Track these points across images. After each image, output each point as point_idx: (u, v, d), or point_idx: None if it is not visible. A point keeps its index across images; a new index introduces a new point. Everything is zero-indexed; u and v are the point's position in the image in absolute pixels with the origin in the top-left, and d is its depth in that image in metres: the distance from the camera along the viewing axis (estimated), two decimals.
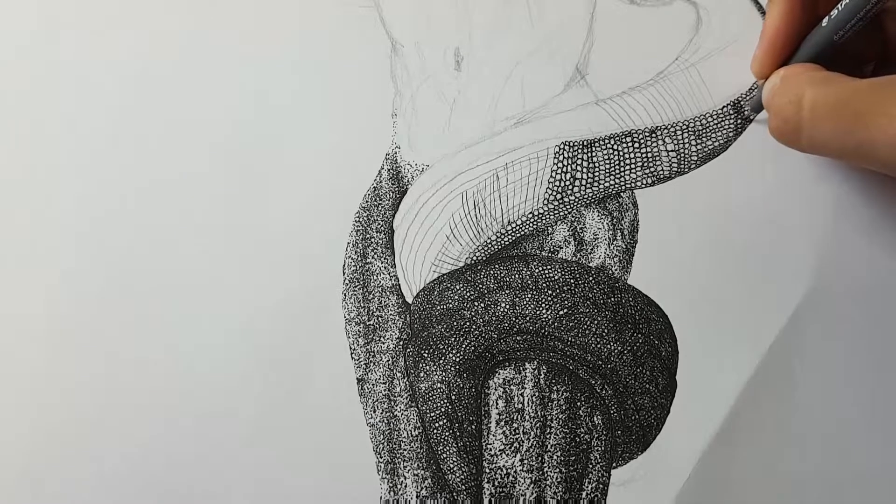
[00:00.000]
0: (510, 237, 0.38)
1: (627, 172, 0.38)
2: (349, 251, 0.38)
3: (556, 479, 0.36)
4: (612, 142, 0.38)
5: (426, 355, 0.37)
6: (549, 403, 0.37)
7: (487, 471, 0.37)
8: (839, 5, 0.33)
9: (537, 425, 0.37)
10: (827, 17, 0.34)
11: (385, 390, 0.37)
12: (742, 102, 0.38)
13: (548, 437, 0.37)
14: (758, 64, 0.36)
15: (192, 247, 0.39)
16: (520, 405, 0.37)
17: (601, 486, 0.36)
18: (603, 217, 0.38)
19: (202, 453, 0.37)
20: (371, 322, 0.38)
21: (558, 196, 0.38)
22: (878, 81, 0.31)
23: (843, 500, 0.36)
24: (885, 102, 0.30)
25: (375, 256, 0.38)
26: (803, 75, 0.33)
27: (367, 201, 0.39)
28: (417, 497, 0.37)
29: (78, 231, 0.39)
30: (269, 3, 0.41)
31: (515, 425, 0.37)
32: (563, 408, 0.37)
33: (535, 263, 0.38)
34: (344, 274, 0.38)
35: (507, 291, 0.38)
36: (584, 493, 0.36)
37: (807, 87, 0.32)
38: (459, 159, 0.39)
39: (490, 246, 0.38)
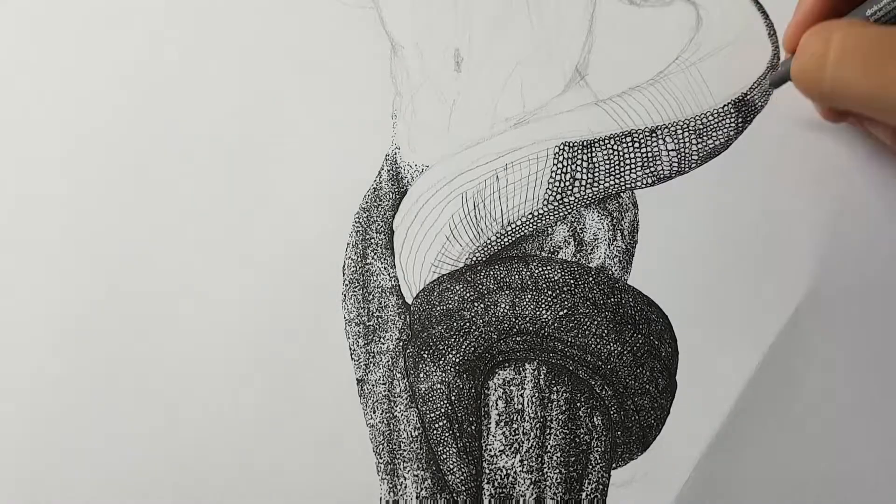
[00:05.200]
0: (510, 238, 0.38)
1: (627, 172, 0.38)
2: (349, 252, 0.38)
3: (556, 479, 0.36)
4: (612, 142, 0.38)
5: (426, 356, 0.37)
6: (549, 404, 0.37)
7: (487, 471, 0.36)
8: None
9: (537, 426, 0.37)
10: None
11: (385, 391, 0.37)
12: (750, 101, 0.38)
13: (547, 437, 0.37)
14: (789, 38, 0.35)
15: (191, 247, 0.39)
16: (519, 406, 0.37)
17: (601, 486, 0.36)
18: (603, 217, 0.38)
19: (201, 454, 0.37)
20: (371, 323, 0.38)
21: (558, 196, 0.38)
22: None
23: (843, 500, 0.36)
24: None
25: (375, 257, 0.38)
26: (836, 21, 0.33)
27: (366, 202, 0.39)
28: (417, 498, 0.36)
29: (77, 231, 0.39)
30: (269, 3, 0.41)
31: (515, 426, 0.37)
32: (563, 408, 0.37)
33: (534, 264, 0.38)
34: (344, 275, 0.38)
35: (506, 292, 0.37)
36: (583, 494, 0.36)
37: (839, 28, 0.32)
38: (459, 160, 0.39)
39: (490, 246, 0.38)
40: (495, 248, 0.38)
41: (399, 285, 0.38)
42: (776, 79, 0.37)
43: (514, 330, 0.37)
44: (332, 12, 0.41)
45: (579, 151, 0.38)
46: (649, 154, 0.38)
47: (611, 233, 0.38)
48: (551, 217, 0.38)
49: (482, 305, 0.37)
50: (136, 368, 0.38)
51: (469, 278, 0.38)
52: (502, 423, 0.37)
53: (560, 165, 0.38)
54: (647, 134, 0.38)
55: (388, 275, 0.38)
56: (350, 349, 0.38)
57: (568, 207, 0.38)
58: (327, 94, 0.40)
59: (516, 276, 0.38)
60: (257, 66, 0.40)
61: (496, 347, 0.37)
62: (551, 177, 0.38)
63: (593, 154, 0.38)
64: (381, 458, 0.37)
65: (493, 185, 0.38)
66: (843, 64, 0.31)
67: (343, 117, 0.40)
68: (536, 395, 0.37)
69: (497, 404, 0.37)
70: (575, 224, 0.38)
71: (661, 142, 0.38)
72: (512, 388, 0.37)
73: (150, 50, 0.41)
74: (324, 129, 0.39)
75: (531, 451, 0.36)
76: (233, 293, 0.38)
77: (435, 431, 0.37)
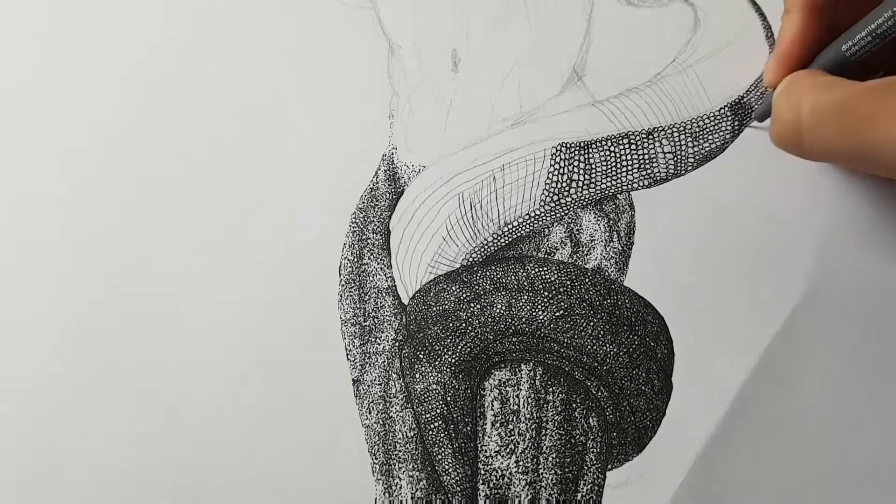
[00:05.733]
0: (506, 238, 0.38)
1: (624, 174, 0.38)
2: (345, 252, 0.38)
3: (552, 480, 0.36)
4: (609, 143, 0.38)
5: (422, 356, 0.37)
6: (545, 405, 0.37)
7: (483, 472, 0.37)
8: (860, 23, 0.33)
9: (533, 427, 0.37)
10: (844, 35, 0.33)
11: (381, 391, 0.37)
12: (747, 104, 0.38)
13: (543, 438, 0.37)
14: (770, 73, 0.35)
15: (189, 247, 0.39)
16: (515, 407, 0.37)
17: (596, 487, 0.36)
18: (599, 219, 0.38)
19: (198, 454, 0.37)
20: (367, 323, 0.38)
21: (555, 197, 0.38)
22: (879, 83, 0.30)
23: (839, 502, 0.36)
24: (887, 104, 0.29)
25: (372, 257, 0.38)
26: (806, 80, 0.33)
27: (363, 202, 0.39)
28: (412, 499, 0.37)
29: (77, 231, 0.39)
30: (267, 3, 0.41)
31: (511, 427, 0.37)
32: (559, 409, 0.37)
33: (531, 265, 0.38)
34: (340, 275, 0.38)
35: (503, 293, 0.38)
36: (579, 496, 0.36)
37: (807, 92, 0.32)
38: (456, 160, 0.39)
39: (486, 247, 0.38)
40: (492, 248, 0.38)
41: (395, 286, 0.38)
42: (760, 114, 0.37)
43: (511, 331, 0.37)
44: (330, 12, 0.41)
45: (576, 152, 0.38)
46: (646, 156, 0.38)
47: (607, 234, 0.38)
48: (548, 218, 0.38)
49: (478, 306, 0.38)
50: (135, 368, 0.38)
51: (465, 279, 0.38)
52: (498, 424, 0.37)
53: (557, 166, 0.38)
54: (643, 136, 0.38)
55: (385, 275, 0.38)
56: (346, 349, 0.38)
57: (564, 208, 0.38)
58: (324, 94, 0.40)
59: (513, 277, 0.38)
60: (255, 65, 0.40)
61: (492, 348, 0.37)
62: (548, 178, 0.38)
63: (590, 155, 0.38)
64: (376, 458, 0.37)
65: (490, 185, 0.38)
66: (817, 130, 0.31)
67: (340, 117, 0.40)
68: (532, 395, 0.37)
69: (493, 405, 0.37)
70: (571, 225, 0.38)
71: (657, 144, 0.38)
72: (508, 388, 0.37)
73: (150, 50, 0.41)
74: (321, 129, 0.40)
75: (527, 451, 0.37)
76: (230, 293, 0.38)
77: (430, 432, 0.37)
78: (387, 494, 0.37)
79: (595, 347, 0.37)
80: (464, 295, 0.38)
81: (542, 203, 0.38)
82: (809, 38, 0.34)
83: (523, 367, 0.37)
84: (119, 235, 0.39)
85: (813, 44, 0.34)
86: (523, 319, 0.37)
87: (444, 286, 0.38)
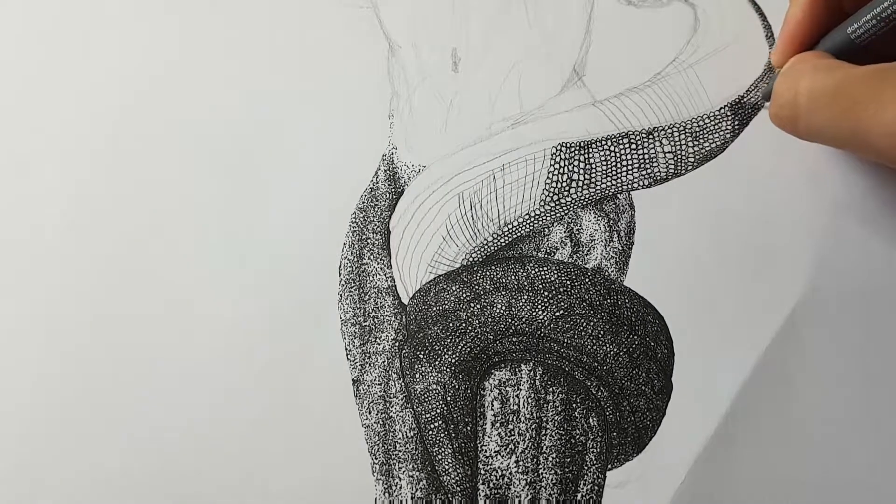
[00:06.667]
0: (506, 238, 0.38)
1: (624, 174, 0.38)
2: (345, 252, 0.38)
3: (552, 480, 0.36)
4: (609, 143, 0.38)
5: (422, 356, 0.37)
6: (545, 405, 0.37)
7: (482, 472, 0.37)
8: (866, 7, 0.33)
9: (533, 427, 0.37)
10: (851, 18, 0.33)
11: (381, 391, 0.37)
12: (747, 104, 0.38)
13: (543, 438, 0.37)
14: (777, 54, 0.36)
15: (188, 247, 0.39)
16: (515, 407, 0.37)
17: (596, 488, 0.36)
18: (599, 218, 0.38)
19: (197, 454, 0.37)
20: (367, 323, 0.38)
21: (555, 197, 0.38)
22: (875, 69, 0.30)
23: (840, 502, 0.36)
24: (879, 90, 0.29)
25: (372, 257, 0.38)
26: (807, 62, 0.33)
27: (363, 202, 0.39)
28: (412, 499, 0.37)
29: (75, 230, 0.39)
30: (267, 3, 0.41)
31: (511, 427, 0.37)
32: (559, 409, 0.37)
33: (531, 265, 0.38)
34: (340, 275, 0.38)
35: (503, 293, 0.37)
36: (579, 496, 0.36)
37: (806, 73, 0.32)
38: (456, 160, 0.39)
39: (486, 247, 0.38)
40: (492, 248, 0.38)
41: (395, 286, 0.38)
42: (766, 93, 0.37)
43: (511, 331, 0.37)
44: (329, 12, 0.41)
45: (576, 152, 0.38)
46: (646, 156, 0.38)
47: (607, 234, 0.38)
48: (548, 218, 0.38)
49: (478, 306, 0.37)
50: (132, 370, 0.38)
51: (465, 279, 0.38)
52: (498, 424, 0.37)
53: (557, 166, 0.38)
54: (643, 135, 0.38)
55: (385, 275, 0.38)
56: (346, 349, 0.38)
57: (564, 208, 0.38)
58: (324, 94, 0.40)
59: (513, 277, 0.38)
60: (255, 65, 0.40)
61: (492, 348, 0.37)
62: (548, 177, 0.38)
63: (590, 155, 0.38)
64: (376, 458, 0.37)
65: (490, 185, 0.38)
66: (812, 112, 0.32)
67: (340, 117, 0.40)
68: (532, 395, 0.37)
69: (493, 405, 0.37)
70: (572, 225, 0.38)
71: (657, 143, 0.38)
72: (508, 388, 0.37)
73: (149, 50, 0.41)
74: (321, 129, 0.40)
75: (527, 451, 0.37)
76: (229, 293, 0.38)
77: (430, 432, 0.37)
78: (387, 494, 0.37)
79: (595, 347, 0.37)
80: (464, 295, 0.38)
81: (542, 203, 0.38)
82: (816, 19, 0.34)
83: (523, 367, 0.37)
84: (118, 235, 0.39)
85: (819, 25, 0.34)
86: (523, 319, 0.37)
87: (444, 286, 0.38)
